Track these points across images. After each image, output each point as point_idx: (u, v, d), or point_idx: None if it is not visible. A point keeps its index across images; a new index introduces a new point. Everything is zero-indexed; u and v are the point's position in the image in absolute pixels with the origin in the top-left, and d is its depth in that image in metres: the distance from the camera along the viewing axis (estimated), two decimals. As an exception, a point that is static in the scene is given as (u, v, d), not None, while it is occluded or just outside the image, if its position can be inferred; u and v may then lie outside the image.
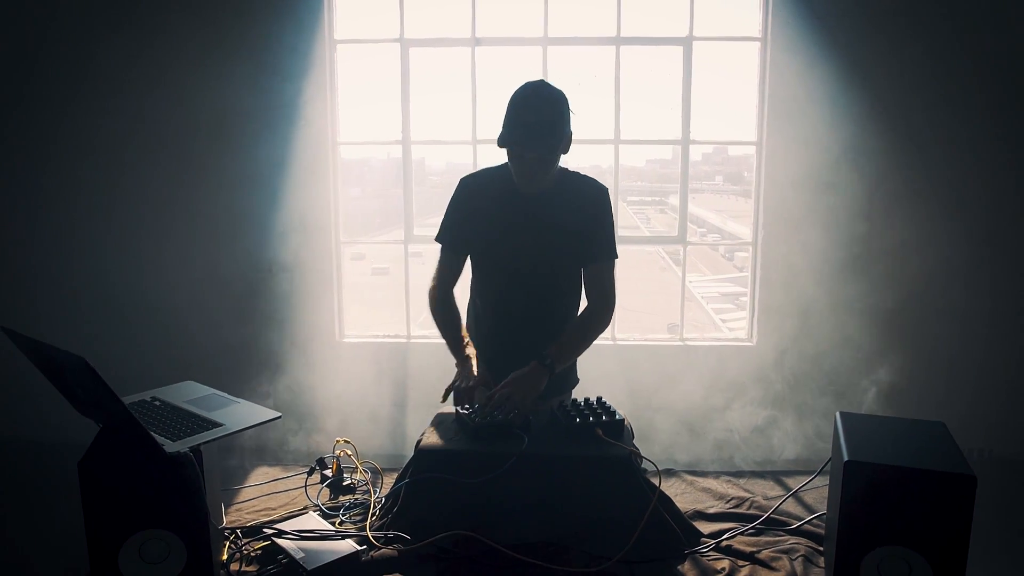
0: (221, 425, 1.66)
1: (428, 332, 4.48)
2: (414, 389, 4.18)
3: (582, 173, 2.27)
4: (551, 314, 2.27)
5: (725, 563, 1.74)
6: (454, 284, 2.33)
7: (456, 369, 2.19)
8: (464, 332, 2.26)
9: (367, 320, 4.50)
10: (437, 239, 2.31)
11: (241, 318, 4.08)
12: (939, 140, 3.89)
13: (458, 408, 2.02)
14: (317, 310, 4.18)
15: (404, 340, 4.31)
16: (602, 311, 2.23)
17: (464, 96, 4.15)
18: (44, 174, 4.14)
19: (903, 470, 1.43)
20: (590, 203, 2.21)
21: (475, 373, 2.10)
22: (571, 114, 2.11)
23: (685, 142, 4.14)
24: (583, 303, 2.32)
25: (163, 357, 3.90)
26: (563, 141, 2.09)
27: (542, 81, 2.11)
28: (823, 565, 1.73)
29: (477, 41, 4.08)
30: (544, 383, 2.01)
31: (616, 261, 2.26)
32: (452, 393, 2.10)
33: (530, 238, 2.20)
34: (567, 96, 2.10)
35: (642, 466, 1.90)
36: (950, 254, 3.98)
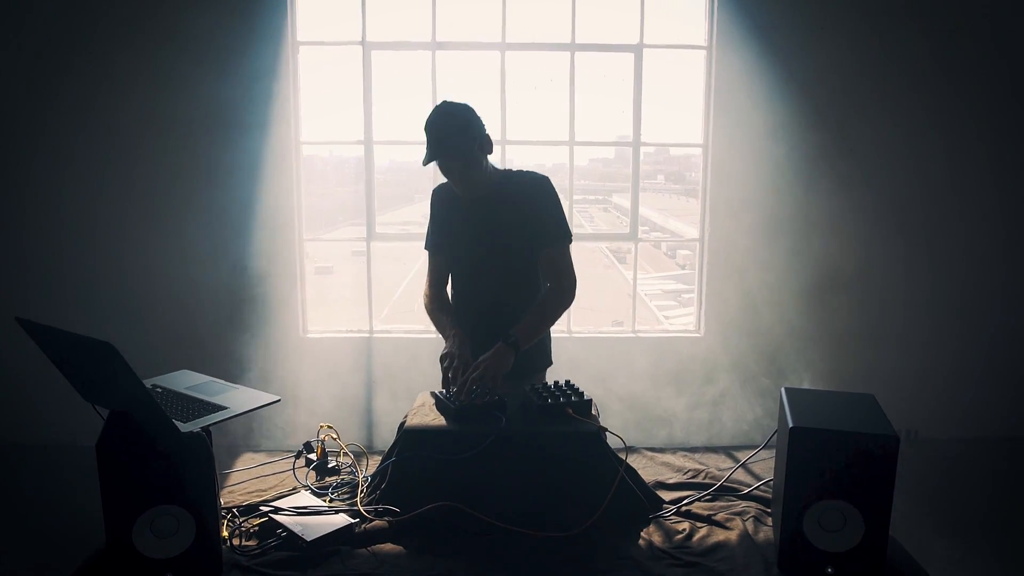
0: (226, 408, 1.78)
1: (390, 327, 4.60)
2: (379, 381, 4.30)
3: (524, 170, 2.43)
4: (508, 302, 2.41)
5: (685, 525, 1.94)
6: (444, 283, 2.53)
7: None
8: (453, 318, 2.43)
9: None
10: (425, 246, 2.53)
11: (208, 314, 4.14)
12: (871, 138, 4.23)
13: (438, 393, 2.17)
14: (282, 306, 4.27)
15: (367, 335, 4.42)
16: (559, 292, 2.37)
17: (424, 98, 4.29)
18: (21, 173, 4.17)
19: (839, 433, 1.64)
20: (530, 194, 2.35)
21: (454, 348, 2.25)
22: (480, 120, 2.29)
23: (636, 143, 4.36)
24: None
25: (130, 351, 3.93)
26: (476, 144, 2.25)
27: (444, 101, 2.30)
28: (770, 524, 1.94)
29: (438, 45, 4.22)
30: (511, 360, 2.17)
31: (570, 243, 2.39)
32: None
33: (481, 236, 2.38)
34: (471, 107, 2.29)
35: (607, 441, 2.08)
36: (885, 247, 4.32)
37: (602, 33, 4.34)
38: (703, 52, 4.28)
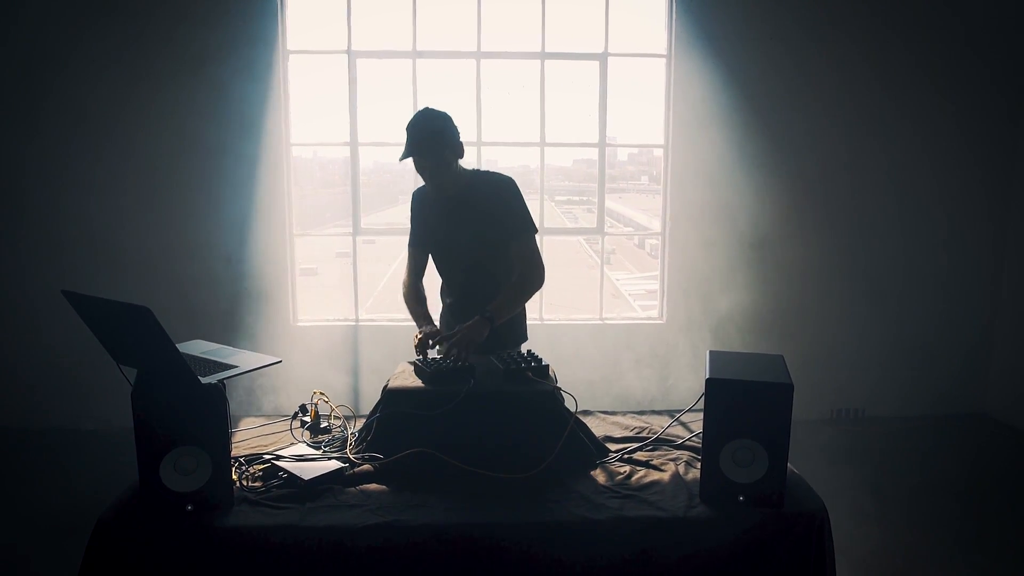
0: (236, 367, 2.10)
1: (375, 316, 4.93)
2: (365, 363, 4.63)
3: (491, 171, 2.78)
4: (484, 286, 2.75)
5: (626, 468, 2.28)
6: (421, 274, 2.88)
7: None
8: (425, 308, 2.79)
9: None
10: (408, 243, 2.88)
11: (206, 303, 4.45)
12: (813, 136, 4.62)
13: (416, 360, 2.50)
14: (274, 297, 4.58)
15: (353, 323, 4.73)
16: (529, 276, 2.70)
17: (406, 102, 4.62)
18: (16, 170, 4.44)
19: (745, 383, 1.98)
20: (497, 193, 2.69)
21: (426, 330, 2.60)
22: (456, 128, 2.62)
23: (602, 145, 4.72)
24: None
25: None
26: (449, 148, 2.59)
27: (427, 107, 2.63)
28: (699, 467, 2.28)
29: (418, 53, 4.55)
30: (486, 331, 2.51)
31: (536, 234, 2.72)
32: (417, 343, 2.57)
33: (454, 230, 2.73)
34: (450, 115, 2.62)
35: (564, 402, 2.41)
36: (829, 237, 4.70)
37: (571, 42, 4.69)
38: (663, 60, 4.64)
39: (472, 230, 2.70)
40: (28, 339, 4.47)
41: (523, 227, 2.71)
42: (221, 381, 1.93)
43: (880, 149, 4.64)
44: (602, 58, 4.61)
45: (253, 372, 2.33)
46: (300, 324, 4.70)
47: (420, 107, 2.64)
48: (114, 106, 4.35)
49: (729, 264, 4.66)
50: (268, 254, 4.56)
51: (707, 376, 2.02)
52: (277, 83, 4.42)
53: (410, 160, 2.60)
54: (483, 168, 2.81)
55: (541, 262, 2.75)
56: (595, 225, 4.95)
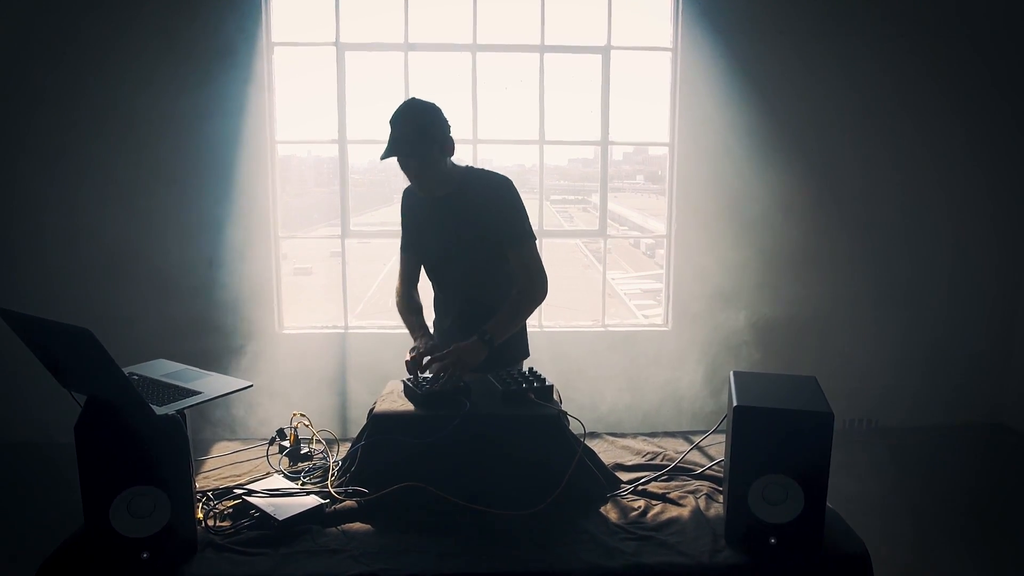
0: (200, 393, 1.86)
1: (364, 323, 4.68)
2: (354, 374, 4.39)
3: (486, 169, 2.50)
4: (477, 296, 2.50)
5: (641, 503, 2.04)
6: (415, 281, 2.61)
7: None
8: (421, 318, 2.53)
9: (296, 318, 4.64)
10: (400, 247, 2.62)
11: (184, 310, 4.20)
12: (823, 135, 4.39)
13: (405, 380, 2.25)
14: (258, 302, 4.34)
15: (341, 331, 4.49)
16: (529, 288, 2.44)
17: (398, 98, 4.36)
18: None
19: (779, 411, 1.75)
20: (492, 196, 2.41)
21: (421, 345, 2.34)
22: (445, 122, 2.34)
23: (604, 143, 4.48)
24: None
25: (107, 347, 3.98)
26: (436, 146, 2.31)
27: (412, 98, 2.36)
28: (721, 501, 2.05)
29: (410, 46, 4.31)
30: (483, 354, 2.26)
31: (536, 241, 2.46)
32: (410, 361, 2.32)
33: (446, 233, 2.45)
34: (438, 107, 2.34)
35: (569, 426, 2.18)
36: (841, 239, 4.47)
37: (571, 35, 4.45)
38: (668, 53, 4.41)
39: (466, 236, 2.42)
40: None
41: (521, 235, 2.43)
42: (181, 411, 1.69)
43: (893, 149, 4.42)
44: (604, 52, 4.38)
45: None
46: (286, 332, 4.45)
47: (408, 98, 2.37)
48: (97, 105, 4.10)
49: (736, 269, 4.43)
50: (252, 257, 4.31)
51: (734, 404, 1.79)
52: (261, 77, 4.17)
53: (395, 158, 2.33)
54: (477, 166, 2.54)
55: (543, 272, 2.47)
56: (596, 227, 4.72)
